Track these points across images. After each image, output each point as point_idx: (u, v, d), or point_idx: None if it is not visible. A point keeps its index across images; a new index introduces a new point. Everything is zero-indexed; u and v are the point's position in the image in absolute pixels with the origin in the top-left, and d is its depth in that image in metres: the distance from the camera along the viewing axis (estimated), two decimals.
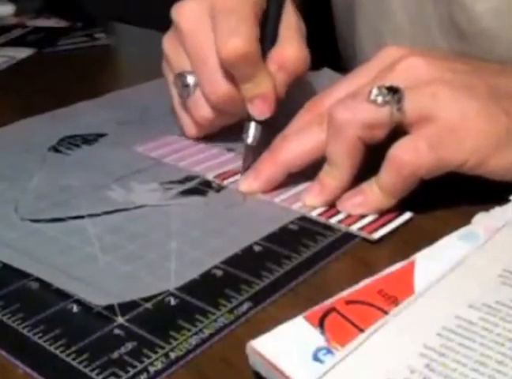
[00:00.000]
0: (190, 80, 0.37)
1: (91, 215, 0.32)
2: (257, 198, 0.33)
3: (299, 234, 0.31)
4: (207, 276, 0.28)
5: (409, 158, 0.30)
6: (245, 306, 0.26)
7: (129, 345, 0.24)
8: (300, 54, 0.36)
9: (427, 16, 0.47)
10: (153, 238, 0.30)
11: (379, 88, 0.30)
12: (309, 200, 0.32)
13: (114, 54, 0.62)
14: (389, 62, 0.32)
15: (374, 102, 0.30)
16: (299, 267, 0.28)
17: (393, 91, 0.30)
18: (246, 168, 0.35)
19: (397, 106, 0.30)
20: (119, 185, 0.35)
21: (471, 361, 0.22)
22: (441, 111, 0.30)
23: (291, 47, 0.36)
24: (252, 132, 0.36)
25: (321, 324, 0.24)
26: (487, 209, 0.30)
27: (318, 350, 0.23)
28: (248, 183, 0.34)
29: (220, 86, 0.36)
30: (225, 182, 0.35)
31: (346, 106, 0.31)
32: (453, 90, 0.31)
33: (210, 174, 0.36)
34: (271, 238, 0.30)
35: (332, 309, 0.24)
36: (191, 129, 0.39)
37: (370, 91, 0.30)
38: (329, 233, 0.31)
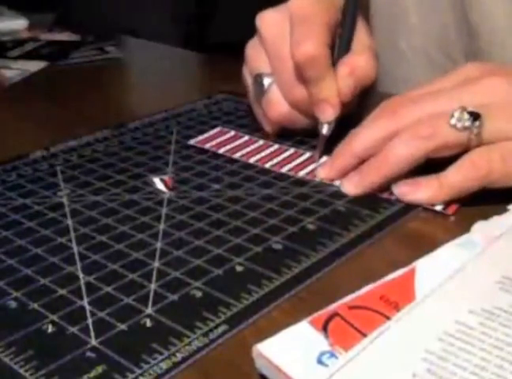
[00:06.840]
0: (266, 81, 0.40)
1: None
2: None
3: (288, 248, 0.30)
4: (185, 297, 0.27)
5: (481, 163, 0.32)
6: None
7: (100, 368, 0.23)
8: (371, 63, 0.39)
9: (442, 14, 0.49)
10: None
11: (461, 111, 0.32)
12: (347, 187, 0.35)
13: (123, 66, 0.63)
14: (465, 78, 0.34)
15: (455, 126, 0.32)
16: (302, 273, 0.29)
17: (474, 116, 0.32)
18: (320, 156, 0.38)
19: (476, 131, 0.32)
20: None
21: (471, 365, 0.22)
22: None
23: (363, 56, 0.39)
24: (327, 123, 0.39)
25: (324, 328, 0.24)
26: (486, 218, 0.31)
27: (322, 353, 0.23)
28: (325, 172, 0.36)
29: (296, 87, 0.38)
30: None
31: (429, 124, 0.33)
32: None
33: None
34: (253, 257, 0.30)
35: (335, 314, 0.25)
36: (266, 125, 0.42)
37: (451, 115, 0.32)
38: (329, 242, 0.31)
